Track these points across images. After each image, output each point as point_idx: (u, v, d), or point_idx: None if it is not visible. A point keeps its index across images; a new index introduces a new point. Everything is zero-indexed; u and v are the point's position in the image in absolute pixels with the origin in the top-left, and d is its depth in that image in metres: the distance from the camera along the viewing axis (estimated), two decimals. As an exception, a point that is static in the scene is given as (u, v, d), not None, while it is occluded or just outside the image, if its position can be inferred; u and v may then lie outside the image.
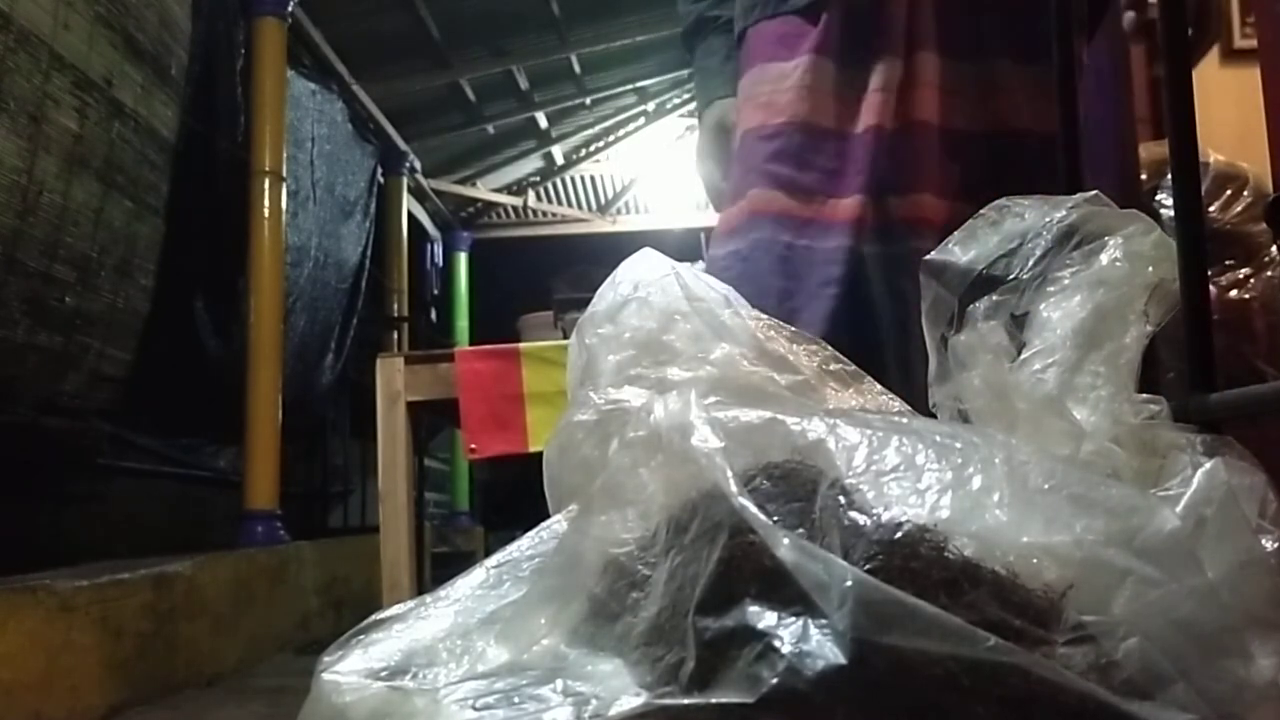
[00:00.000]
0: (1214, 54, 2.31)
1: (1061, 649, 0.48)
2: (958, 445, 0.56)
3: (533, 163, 7.28)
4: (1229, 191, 1.66)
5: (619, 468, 0.61)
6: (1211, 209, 1.64)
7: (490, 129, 6.54)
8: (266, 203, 3.76)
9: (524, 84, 6.04)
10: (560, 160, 7.28)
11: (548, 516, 0.69)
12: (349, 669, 0.56)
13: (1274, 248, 1.58)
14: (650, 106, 6.74)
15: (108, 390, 2.91)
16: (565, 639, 0.57)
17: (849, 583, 0.46)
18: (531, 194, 7.54)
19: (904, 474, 0.55)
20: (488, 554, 0.68)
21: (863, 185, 1.16)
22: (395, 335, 5.85)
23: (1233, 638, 0.51)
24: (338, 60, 4.78)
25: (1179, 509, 0.56)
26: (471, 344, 5.96)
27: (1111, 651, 0.48)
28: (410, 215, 6.32)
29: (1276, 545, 0.58)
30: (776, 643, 0.46)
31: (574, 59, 5.85)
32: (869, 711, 0.45)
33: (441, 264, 7.34)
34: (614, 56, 5.89)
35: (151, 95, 2.97)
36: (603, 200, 7.81)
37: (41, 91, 2.45)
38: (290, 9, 3.94)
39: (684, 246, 6.76)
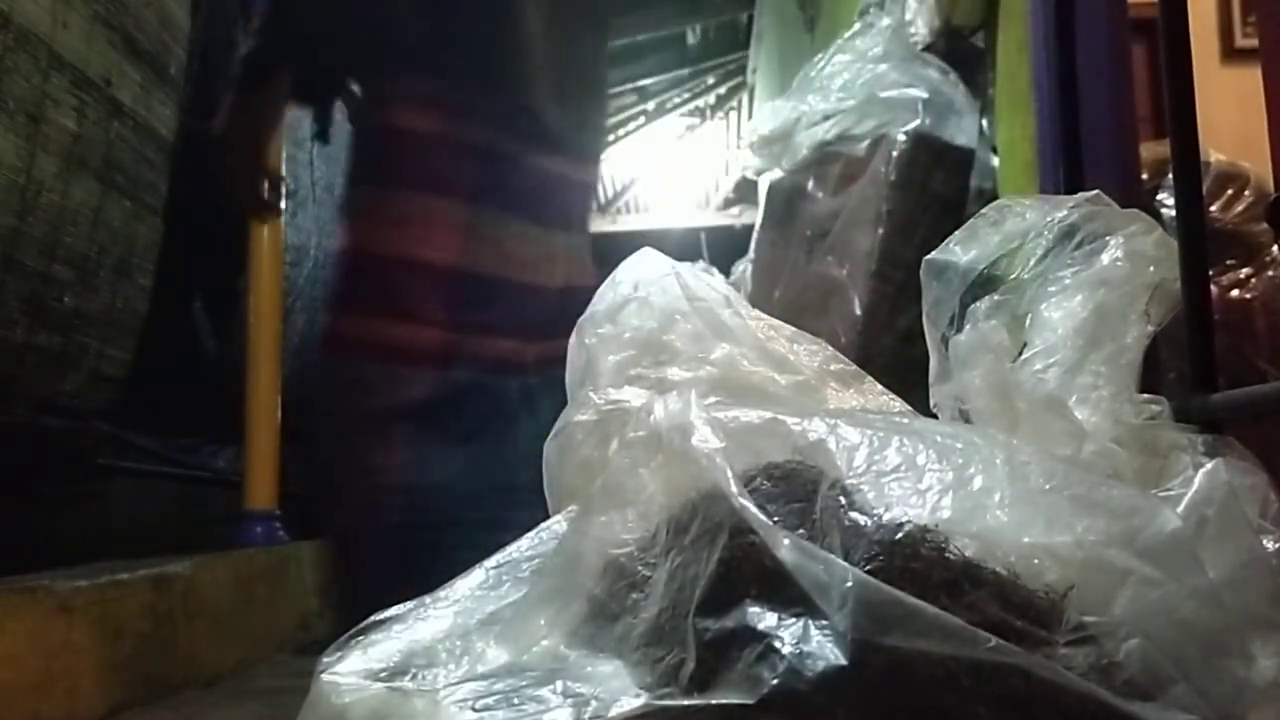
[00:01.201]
0: (1215, 53, 2.31)
1: (1063, 650, 0.48)
2: (959, 445, 0.56)
3: (532, 162, 7.27)
4: (1230, 191, 1.66)
5: (619, 468, 0.61)
6: (1213, 208, 1.64)
7: (490, 129, 6.52)
8: (266, 202, 3.75)
9: (524, 84, 6.02)
10: (560, 160, 7.27)
11: (547, 516, 0.69)
12: (348, 670, 0.56)
13: (1275, 247, 1.58)
14: (650, 106, 6.74)
15: (107, 390, 2.90)
16: (565, 640, 0.56)
17: (849, 583, 0.46)
18: (531, 194, 7.53)
19: (905, 474, 0.55)
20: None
21: None
22: (395, 335, 5.84)
23: (1234, 638, 0.51)
24: (337, 60, 4.76)
25: (1180, 509, 0.56)
26: (471, 344, 5.92)
27: (1113, 652, 0.48)
28: (410, 215, 6.30)
29: (1278, 546, 0.58)
30: (777, 643, 0.46)
31: (574, 59, 5.83)
32: (869, 712, 0.45)
33: (441, 264, 7.32)
34: (614, 56, 5.88)
35: (150, 94, 2.97)
36: (603, 200, 7.81)
37: (40, 91, 2.45)
38: (290, 8, 3.93)
39: (684, 246, 6.78)
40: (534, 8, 1.15)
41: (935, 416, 0.71)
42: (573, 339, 0.75)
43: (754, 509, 0.50)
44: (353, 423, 1.12)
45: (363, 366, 1.11)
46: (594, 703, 0.49)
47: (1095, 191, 0.74)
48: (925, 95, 1.78)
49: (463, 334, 1.12)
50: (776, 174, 2.12)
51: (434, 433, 1.10)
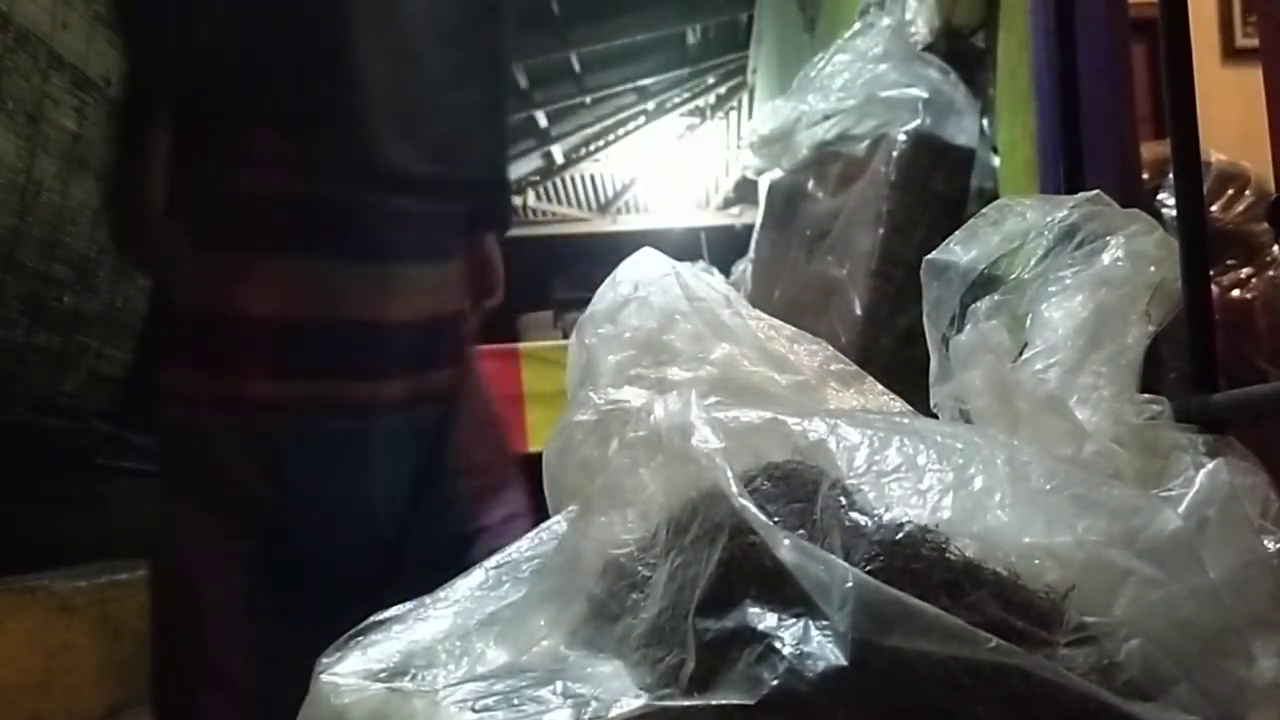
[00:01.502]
0: (1215, 53, 2.31)
1: (1063, 650, 0.48)
2: (959, 446, 0.56)
3: (532, 162, 7.28)
4: (1231, 191, 1.66)
5: (619, 468, 0.61)
6: (1213, 208, 1.64)
7: (490, 128, 6.52)
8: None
9: (523, 83, 6.03)
10: (560, 160, 7.28)
11: (547, 516, 0.69)
12: (348, 670, 0.56)
13: (1276, 247, 1.58)
14: (650, 106, 6.74)
15: (107, 390, 2.91)
16: (565, 640, 0.56)
17: (850, 584, 0.46)
18: (531, 193, 7.54)
19: (905, 474, 0.55)
20: (487, 554, 0.67)
21: None
22: (395, 335, 5.82)
23: (1235, 638, 0.51)
24: (337, 60, 4.75)
25: (1181, 509, 0.56)
26: (471, 344, 5.92)
27: (1113, 652, 0.48)
28: (410, 215, 6.30)
29: (1278, 546, 0.58)
30: (777, 644, 0.46)
31: (574, 58, 5.84)
32: (870, 713, 0.45)
33: (441, 264, 7.32)
34: (614, 56, 5.89)
35: (151, 95, 2.97)
36: (603, 200, 7.81)
37: (40, 91, 2.45)
38: (290, 8, 3.92)
39: (684, 246, 6.78)
40: (370, 44, 1.08)
41: (935, 416, 0.71)
42: (573, 339, 0.75)
43: (754, 509, 0.50)
44: (188, 477, 1.10)
45: (193, 421, 1.08)
46: (594, 703, 0.49)
47: (1095, 191, 0.74)
48: (925, 95, 1.78)
49: (300, 381, 1.08)
50: (776, 174, 2.12)
51: (276, 484, 1.07)
